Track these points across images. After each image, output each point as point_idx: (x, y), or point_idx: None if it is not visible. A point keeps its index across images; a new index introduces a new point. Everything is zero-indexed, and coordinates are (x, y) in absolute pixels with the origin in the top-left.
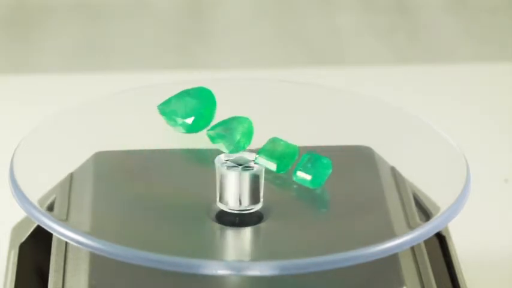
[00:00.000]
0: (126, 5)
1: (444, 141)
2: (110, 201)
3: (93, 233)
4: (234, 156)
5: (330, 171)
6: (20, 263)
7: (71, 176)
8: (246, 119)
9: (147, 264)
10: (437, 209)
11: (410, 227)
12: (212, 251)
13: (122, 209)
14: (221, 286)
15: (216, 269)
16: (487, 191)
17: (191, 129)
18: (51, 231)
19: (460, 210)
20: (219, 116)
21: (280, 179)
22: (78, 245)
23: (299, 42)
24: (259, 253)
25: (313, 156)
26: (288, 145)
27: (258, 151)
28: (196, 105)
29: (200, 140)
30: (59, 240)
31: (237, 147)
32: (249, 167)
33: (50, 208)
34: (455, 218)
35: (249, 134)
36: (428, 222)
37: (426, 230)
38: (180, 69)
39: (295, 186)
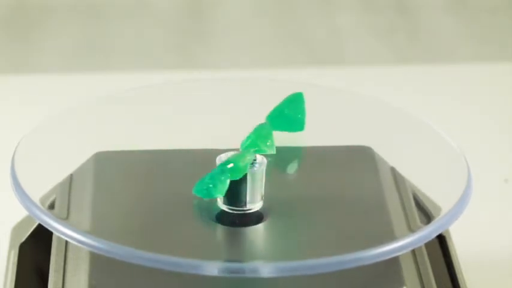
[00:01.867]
0: (126, 5)
1: (444, 141)
2: (110, 201)
3: (93, 232)
4: (235, 156)
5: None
6: (20, 263)
7: (71, 176)
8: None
9: (148, 264)
10: (438, 209)
11: (411, 228)
12: (212, 252)
13: (122, 209)
14: (221, 286)
15: (216, 270)
16: (487, 191)
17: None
18: (52, 230)
19: (461, 213)
20: (219, 114)
21: (280, 179)
22: (79, 244)
23: (299, 42)
24: (259, 254)
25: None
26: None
27: None
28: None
29: (200, 140)
30: (59, 240)
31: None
32: (251, 166)
33: (51, 208)
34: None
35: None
36: (430, 224)
37: (427, 232)
38: (180, 69)
39: (295, 186)
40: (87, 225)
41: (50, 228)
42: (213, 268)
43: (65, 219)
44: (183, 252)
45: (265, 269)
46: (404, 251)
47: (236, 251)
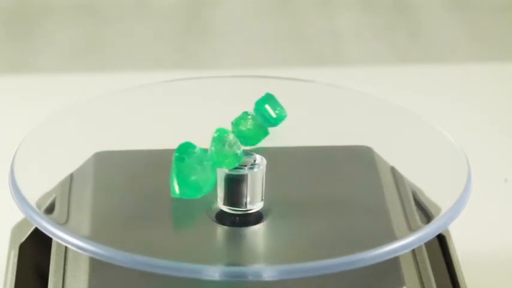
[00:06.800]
0: (126, 5)
1: (444, 141)
2: (109, 201)
3: (93, 234)
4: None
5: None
6: (20, 263)
7: (71, 176)
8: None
9: (148, 269)
10: (438, 209)
11: (411, 228)
12: (213, 254)
13: (122, 210)
14: (220, 285)
15: (217, 274)
16: (487, 191)
17: None
18: (51, 236)
19: (460, 213)
20: (219, 114)
21: (281, 179)
22: (79, 250)
23: (299, 42)
24: (259, 256)
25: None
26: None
27: None
28: None
29: (201, 140)
30: None
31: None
32: (250, 167)
33: (50, 209)
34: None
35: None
36: (429, 224)
37: (427, 232)
38: (180, 69)
39: (295, 186)
40: (87, 227)
41: (49, 234)
42: (214, 272)
43: (64, 222)
44: (184, 254)
45: (267, 273)
46: (405, 251)
47: (236, 252)
